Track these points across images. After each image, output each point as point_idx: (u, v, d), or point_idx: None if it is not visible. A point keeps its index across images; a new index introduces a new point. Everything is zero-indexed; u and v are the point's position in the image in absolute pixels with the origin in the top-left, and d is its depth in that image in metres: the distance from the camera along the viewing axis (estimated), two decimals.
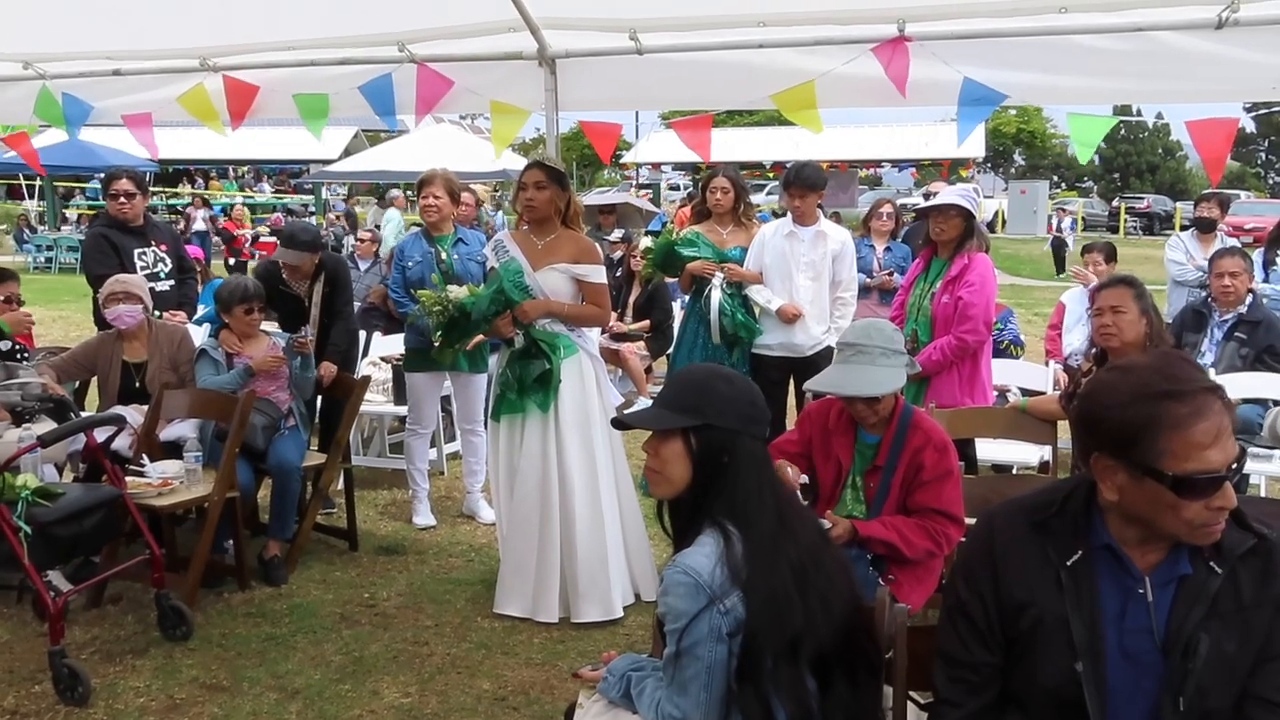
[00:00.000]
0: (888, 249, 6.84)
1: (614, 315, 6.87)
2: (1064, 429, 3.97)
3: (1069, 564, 1.68)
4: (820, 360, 4.56)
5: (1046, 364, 5.63)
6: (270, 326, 4.91)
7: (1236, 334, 4.98)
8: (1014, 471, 5.02)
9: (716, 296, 5.06)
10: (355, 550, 4.76)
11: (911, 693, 2.06)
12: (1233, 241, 6.91)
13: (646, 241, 5.73)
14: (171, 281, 5.35)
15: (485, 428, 4.98)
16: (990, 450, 4.77)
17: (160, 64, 4.91)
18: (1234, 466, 1.55)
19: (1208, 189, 7.73)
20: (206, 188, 27.81)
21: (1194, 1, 3.58)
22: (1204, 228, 7.07)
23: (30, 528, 3.28)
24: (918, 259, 4.61)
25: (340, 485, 5.02)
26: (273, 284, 4.84)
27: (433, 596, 4.23)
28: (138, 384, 4.56)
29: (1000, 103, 3.89)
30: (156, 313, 4.87)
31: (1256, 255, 6.31)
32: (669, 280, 6.44)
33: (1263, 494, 4.78)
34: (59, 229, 21.89)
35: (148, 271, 5.15)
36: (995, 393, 4.86)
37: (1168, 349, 3.33)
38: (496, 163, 10.98)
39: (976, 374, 4.32)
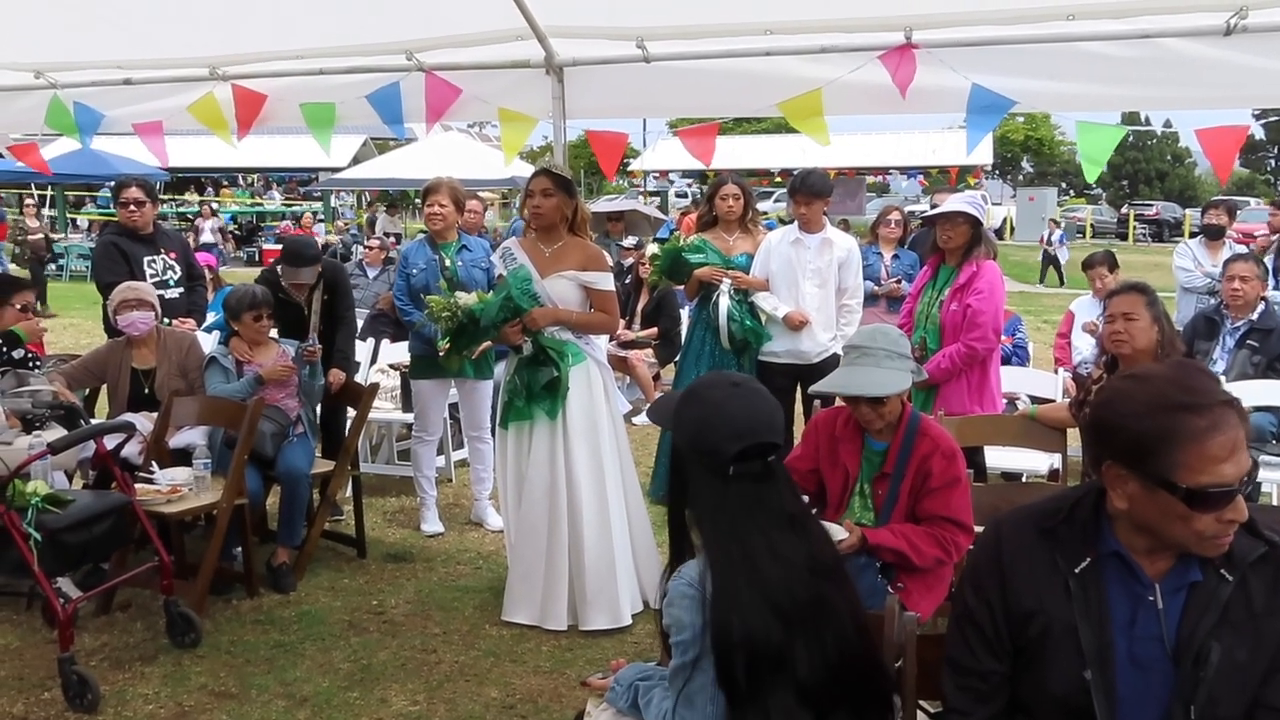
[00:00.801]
0: (895, 256, 6.83)
1: (622, 323, 6.87)
2: (1074, 437, 3.96)
3: (1077, 571, 1.67)
4: (826, 367, 4.56)
5: (1056, 372, 5.62)
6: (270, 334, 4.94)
7: (1248, 341, 4.96)
8: (1023, 479, 5.00)
9: (724, 303, 5.06)
10: (363, 557, 4.76)
11: (921, 701, 2.05)
12: (1242, 248, 6.90)
13: (654, 248, 5.74)
14: (181, 289, 5.38)
15: (492, 434, 4.99)
16: (999, 458, 4.76)
17: (170, 73, 4.93)
18: (1246, 479, 1.54)
19: (1216, 196, 7.72)
20: (218, 195, 27.92)
21: (1203, 8, 3.57)
22: (1212, 235, 7.06)
23: (40, 534, 3.29)
24: (926, 266, 4.61)
25: (349, 492, 5.03)
26: (272, 292, 4.86)
27: (441, 604, 4.23)
28: (147, 391, 4.58)
29: (1009, 109, 3.88)
30: (166, 320, 4.90)
31: (1268, 259, 6.30)
32: (675, 287, 6.44)
33: (1275, 502, 4.75)
34: (65, 235, 22.01)
35: (157, 279, 5.18)
36: (1004, 400, 4.84)
37: (1184, 359, 3.31)
38: (505, 170, 11.01)
39: (985, 382, 4.31)
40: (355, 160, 24.05)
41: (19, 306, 4.72)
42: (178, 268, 5.40)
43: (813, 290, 4.97)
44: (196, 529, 4.73)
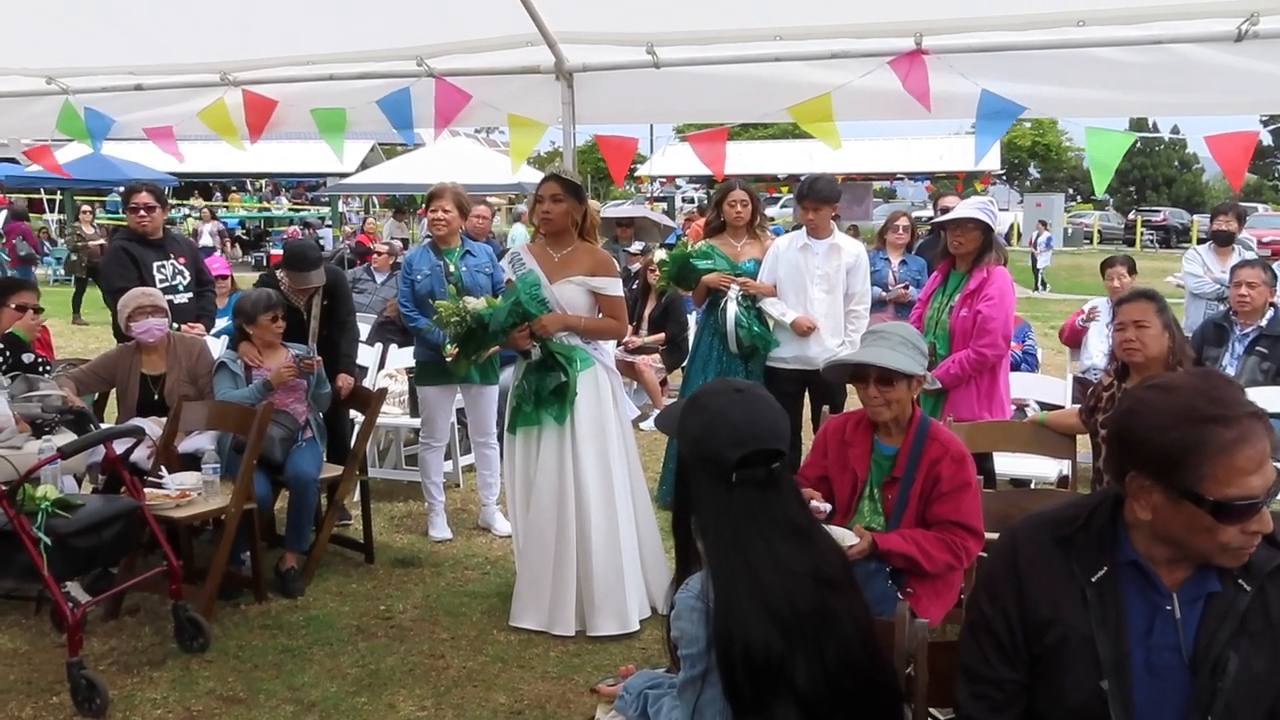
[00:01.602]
0: (903, 262, 6.82)
1: (629, 328, 6.87)
2: (1083, 443, 3.95)
3: (1094, 580, 1.66)
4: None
5: (1066, 376, 5.60)
6: None
7: (1258, 348, 4.94)
8: (1032, 486, 4.99)
9: (732, 309, 5.05)
10: (371, 562, 4.77)
11: (932, 710, 2.04)
12: (1251, 254, 6.87)
13: (661, 254, 5.74)
14: (190, 294, 5.39)
15: (498, 440, 4.98)
16: (1008, 464, 4.74)
17: (181, 79, 4.95)
18: (1272, 490, 1.53)
19: (1225, 202, 7.70)
20: (226, 200, 28.00)
21: (1214, 14, 3.56)
22: (1221, 241, 7.03)
23: (50, 539, 3.30)
24: (935, 272, 4.60)
25: (356, 497, 5.03)
26: None
27: (448, 609, 4.23)
28: (156, 396, 4.60)
29: (1019, 115, 3.87)
30: (175, 325, 4.91)
31: (1278, 267, 6.26)
32: (683, 294, 6.44)
33: None
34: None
35: (166, 284, 5.19)
36: (1014, 407, 4.83)
37: (1207, 368, 3.29)
38: (512, 176, 11.04)
39: (995, 388, 4.30)
40: (363, 166, 24.10)
41: (14, 306, 4.73)
42: (187, 273, 5.42)
43: (821, 296, 4.96)
44: (205, 534, 4.74)
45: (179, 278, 5.34)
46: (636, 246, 8.42)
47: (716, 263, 5.19)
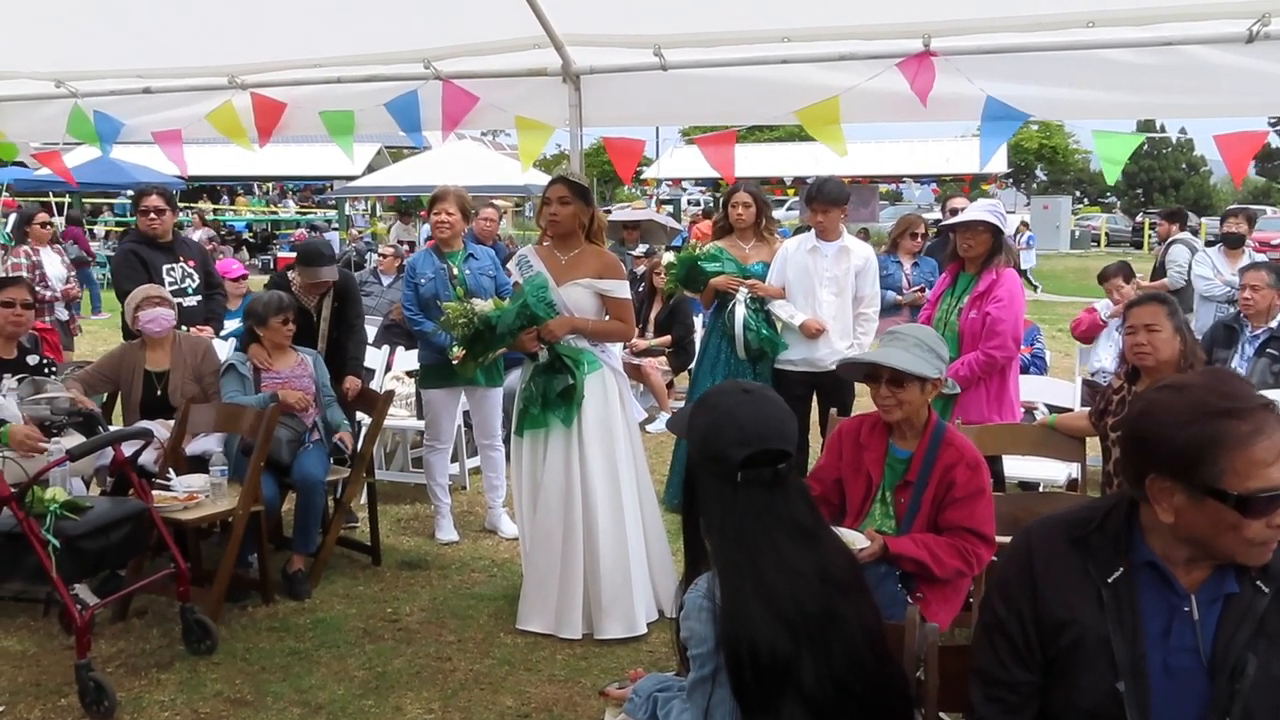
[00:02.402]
0: (915, 264, 6.80)
1: (635, 331, 6.87)
2: (1092, 446, 3.93)
3: (1110, 581, 1.65)
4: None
5: (1075, 379, 5.58)
6: None
7: (1268, 350, 4.93)
8: (1040, 489, 4.97)
9: (741, 312, 5.05)
10: (378, 565, 4.76)
11: (942, 714, 2.03)
12: (1261, 257, 6.85)
13: (669, 257, 5.74)
14: (199, 297, 5.40)
15: (505, 442, 4.98)
16: (1017, 467, 4.73)
17: (189, 81, 4.96)
18: None
19: (1232, 205, 7.69)
20: (233, 203, 28.04)
21: (1225, 15, 3.54)
22: (1231, 243, 7.01)
23: (58, 541, 3.30)
24: (944, 273, 4.59)
25: (363, 500, 5.03)
26: None
27: (455, 612, 4.22)
28: (159, 393, 4.60)
29: (1024, 120, 3.86)
30: (183, 327, 4.92)
31: None
32: (689, 295, 6.43)
33: None
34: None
35: (175, 287, 5.20)
36: (1023, 409, 4.81)
37: (1215, 366, 3.28)
38: (519, 178, 11.06)
39: (1004, 390, 4.28)
40: (370, 169, 24.14)
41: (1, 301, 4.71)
42: (196, 275, 5.43)
43: (829, 298, 4.96)
44: (213, 536, 4.74)
45: (188, 280, 5.35)
46: (642, 249, 8.43)
47: (725, 265, 5.19)
